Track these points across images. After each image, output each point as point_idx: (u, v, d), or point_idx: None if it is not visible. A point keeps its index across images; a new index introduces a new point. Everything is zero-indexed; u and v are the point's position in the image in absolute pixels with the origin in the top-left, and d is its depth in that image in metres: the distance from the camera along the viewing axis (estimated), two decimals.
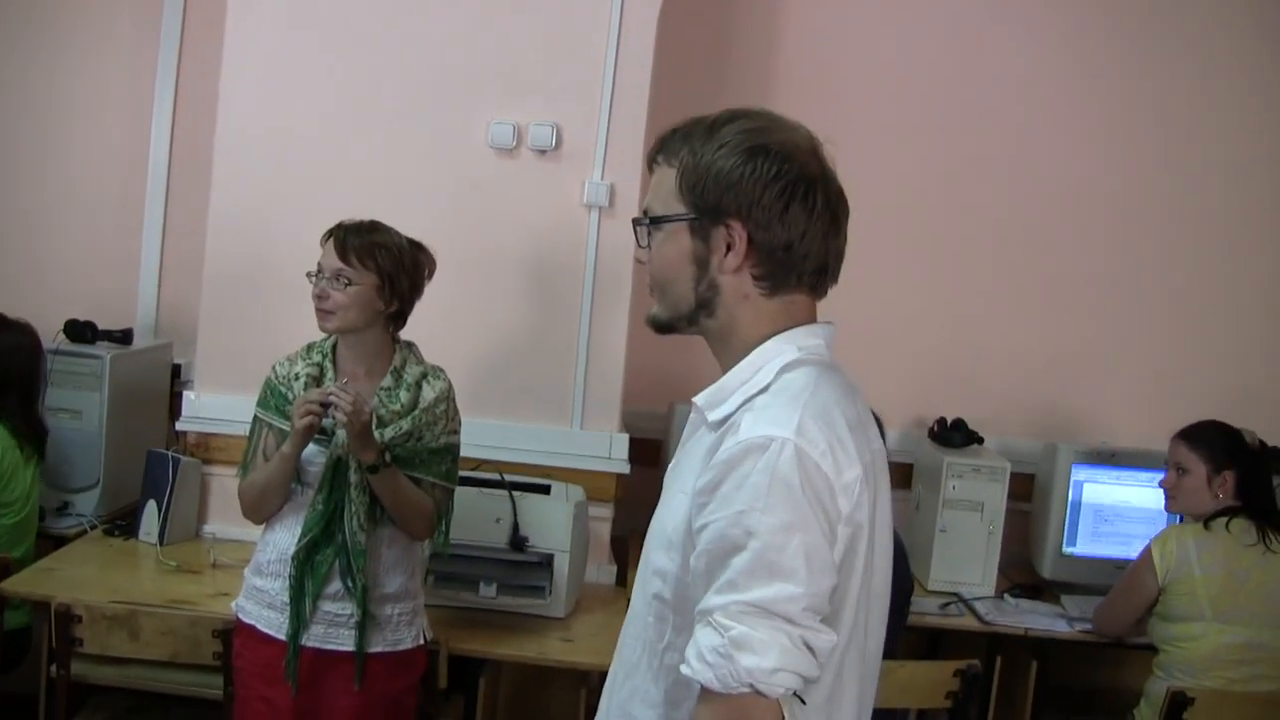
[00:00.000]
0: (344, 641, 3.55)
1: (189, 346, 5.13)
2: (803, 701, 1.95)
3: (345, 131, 4.76)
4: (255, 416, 3.66)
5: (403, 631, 3.64)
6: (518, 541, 4.25)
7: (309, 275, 3.57)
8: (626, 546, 4.90)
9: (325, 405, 3.39)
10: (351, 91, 4.78)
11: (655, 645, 2.11)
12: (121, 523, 4.77)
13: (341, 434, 3.46)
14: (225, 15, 4.81)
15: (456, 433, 3.67)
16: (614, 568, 4.79)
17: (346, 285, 3.52)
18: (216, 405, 4.75)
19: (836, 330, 2.16)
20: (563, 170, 4.70)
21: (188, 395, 4.85)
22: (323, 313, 3.56)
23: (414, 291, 3.64)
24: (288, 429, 3.51)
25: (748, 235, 2.07)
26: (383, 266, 3.55)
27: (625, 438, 4.75)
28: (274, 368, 3.66)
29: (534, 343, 4.72)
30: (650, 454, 4.89)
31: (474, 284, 4.59)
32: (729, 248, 2.08)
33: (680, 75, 4.98)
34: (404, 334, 3.69)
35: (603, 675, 2.31)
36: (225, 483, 4.63)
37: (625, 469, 4.75)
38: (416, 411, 3.57)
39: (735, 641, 1.89)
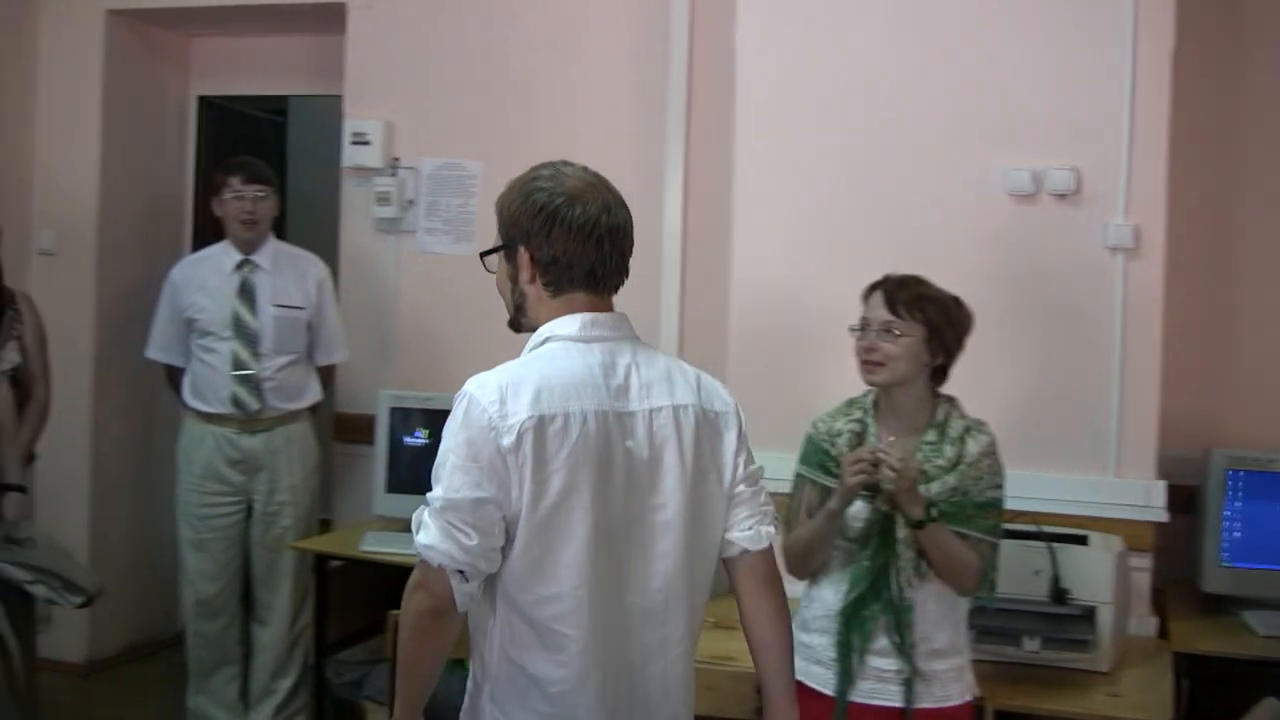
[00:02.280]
0: (892, 698, 3.60)
1: None
2: (465, 579, 2.73)
3: (860, 185, 4.86)
4: (797, 473, 3.76)
5: (950, 687, 3.66)
6: (1059, 594, 4.20)
7: (851, 329, 3.66)
8: (1165, 598, 4.79)
9: (875, 464, 3.46)
10: (864, 146, 4.87)
11: None
12: None
13: (888, 490, 3.52)
14: (734, 78, 4.99)
15: (1000, 486, 3.68)
16: (1155, 620, 4.67)
17: (897, 337, 3.60)
18: None
19: (618, 316, 2.93)
20: (1083, 214, 4.67)
21: None
22: (871, 365, 3.65)
23: (958, 345, 3.68)
24: (830, 485, 3.61)
25: (530, 255, 2.87)
26: (930, 318, 3.61)
27: (1162, 485, 4.64)
28: (814, 424, 3.76)
29: (1064, 390, 4.69)
30: (1187, 501, 4.77)
31: (1001, 334, 4.56)
32: (524, 266, 2.87)
33: (1196, 111, 4.90)
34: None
35: None
36: None
37: (1163, 517, 4.64)
38: (962, 466, 3.60)
39: (418, 523, 2.76)
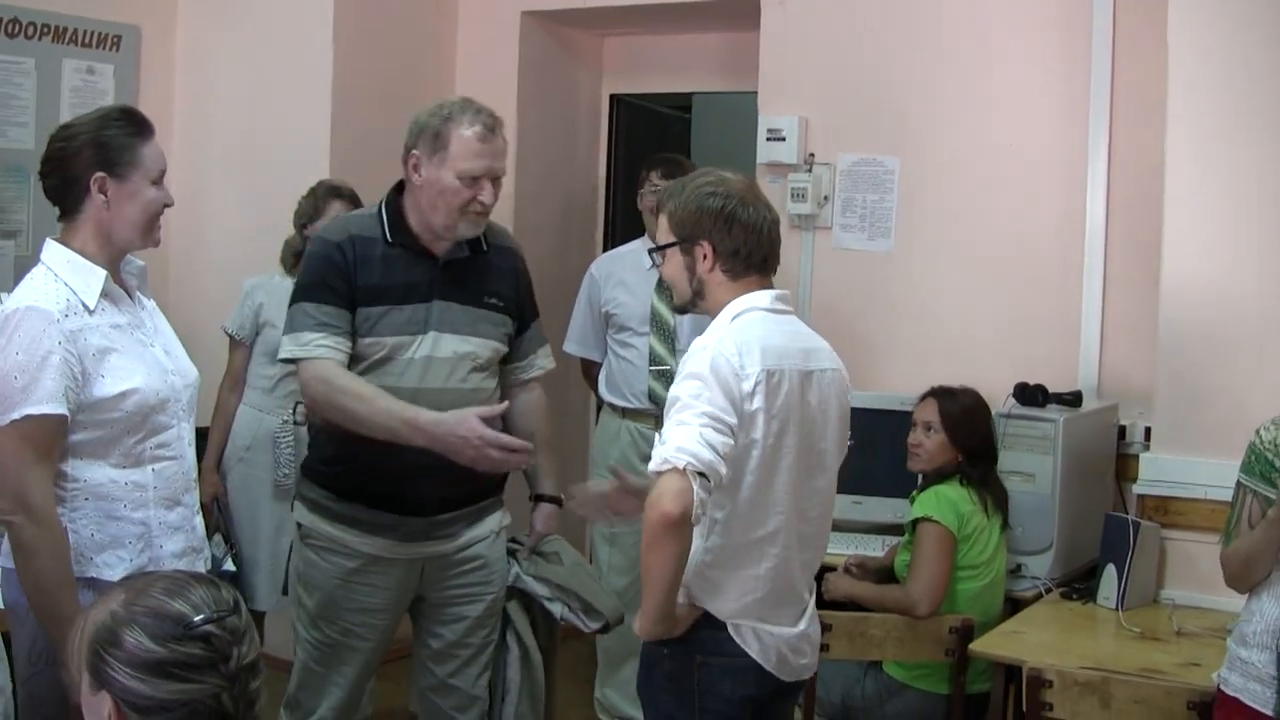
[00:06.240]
0: None
1: (1130, 408, 5.32)
2: (708, 481, 3.18)
3: None
4: (1238, 482, 3.74)
5: None
6: None
7: None
8: None
9: None
10: None
11: None
12: (1079, 586, 4.94)
13: None
14: (1163, 74, 4.95)
15: None
16: None
17: None
18: (1175, 467, 4.85)
19: (788, 294, 3.59)
20: None
21: (1145, 457, 5.00)
22: None
23: None
24: (1272, 497, 3.58)
25: (712, 248, 3.49)
26: None
27: None
28: (1258, 432, 3.73)
29: None
30: None
31: None
32: (704, 257, 3.49)
33: None
34: None
35: None
36: (1184, 547, 4.77)
37: None
38: None
39: (661, 454, 3.18)
